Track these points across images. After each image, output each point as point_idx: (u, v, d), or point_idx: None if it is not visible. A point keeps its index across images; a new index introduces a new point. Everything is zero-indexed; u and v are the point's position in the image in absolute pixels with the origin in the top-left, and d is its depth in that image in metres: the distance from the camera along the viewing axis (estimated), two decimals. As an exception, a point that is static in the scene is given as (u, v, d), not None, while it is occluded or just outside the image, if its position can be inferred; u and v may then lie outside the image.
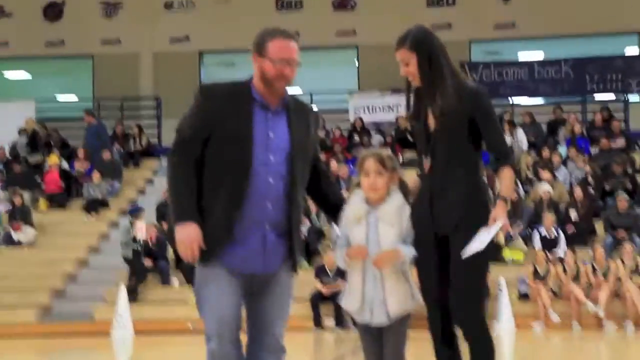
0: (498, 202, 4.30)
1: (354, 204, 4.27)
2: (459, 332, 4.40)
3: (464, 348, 4.41)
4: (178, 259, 17.67)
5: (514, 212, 17.66)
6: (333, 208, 4.55)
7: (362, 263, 4.23)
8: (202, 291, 4.29)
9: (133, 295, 16.79)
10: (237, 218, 4.17)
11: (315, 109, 4.80)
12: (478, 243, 4.22)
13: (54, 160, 21.14)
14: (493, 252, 4.56)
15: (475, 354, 4.29)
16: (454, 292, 4.28)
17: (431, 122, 4.36)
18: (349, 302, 4.28)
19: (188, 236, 4.15)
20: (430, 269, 4.34)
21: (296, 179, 4.27)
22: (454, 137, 4.30)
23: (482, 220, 4.27)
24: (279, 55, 4.23)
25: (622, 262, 15.83)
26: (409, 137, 19.27)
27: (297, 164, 4.27)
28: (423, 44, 4.36)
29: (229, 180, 4.18)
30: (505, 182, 4.32)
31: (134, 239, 17.52)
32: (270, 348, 4.37)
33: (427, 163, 4.34)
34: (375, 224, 4.24)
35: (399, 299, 4.23)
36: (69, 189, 21.19)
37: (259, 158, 4.20)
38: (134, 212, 18.20)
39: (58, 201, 20.88)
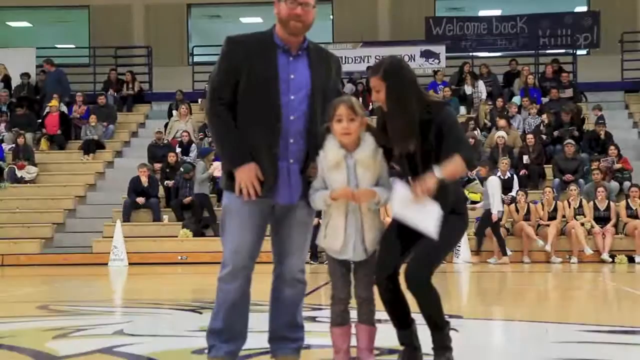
0: (429, 174, 4.12)
1: (330, 150, 4.21)
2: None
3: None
4: (168, 198, 17.64)
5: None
6: None
7: (344, 205, 4.20)
8: (225, 223, 4.29)
9: (203, 230, 16.86)
10: (278, 155, 4.17)
11: None
12: (428, 220, 4.13)
13: (54, 103, 20.86)
14: (463, 229, 4.47)
15: (423, 300, 4.27)
16: (414, 260, 4.24)
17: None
18: (331, 242, 4.25)
19: (248, 176, 4.13)
20: (393, 244, 4.30)
21: (315, 117, 4.25)
22: (435, 156, 4.23)
23: (457, 225, 4.29)
24: None
25: (568, 203, 15.96)
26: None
27: (316, 102, 4.24)
28: (393, 76, 4.23)
29: (264, 122, 4.16)
30: (450, 166, 4.15)
31: (212, 177, 17.15)
32: (289, 281, 4.38)
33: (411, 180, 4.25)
34: (353, 168, 4.20)
35: (374, 236, 4.24)
36: (68, 131, 20.98)
37: (282, 97, 4.18)
38: (205, 152, 17.61)
39: (58, 142, 20.70)
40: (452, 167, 4.16)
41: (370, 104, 18.66)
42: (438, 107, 4.31)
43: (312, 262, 14.62)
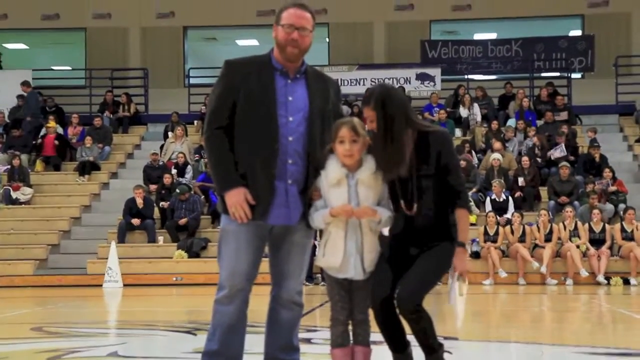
0: (458, 250, 4.27)
1: (332, 169, 4.23)
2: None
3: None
4: (163, 219, 17.62)
5: (467, 177, 17.76)
6: None
7: (344, 223, 4.20)
8: (222, 247, 4.30)
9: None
10: (275, 176, 4.18)
11: None
12: (454, 294, 4.33)
13: (52, 125, 20.85)
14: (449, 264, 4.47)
15: (416, 324, 4.27)
16: (414, 274, 4.24)
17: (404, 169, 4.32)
18: (331, 260, 4.25)
19: (237, 200, 4.16)
20: (387, 268, 4.30)
21: (314, 138, 4.26)
22: (435, 181, 4.28)
23: (451, 251, 4.31)
24: (287, 21, 4.23)
25: (564, 225, 15.97)
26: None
27: (314, 124, 4.27)
28: (384, 105, 4.25)
29: (261, 143, 4.19)
30: (463, 226, 4.30)
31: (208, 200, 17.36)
32: (286, 303, 4.38)
33: (409, 205, 4.27)
34: (354, 187, 4.22)
35: (374, 257, 4.25)
36: (64, 152, 20.97)
37: (280, 119, 4.21)
38: None
39: (53, 163, 20.69)
40: (465, 227, 4.33)
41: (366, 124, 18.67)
42: (436, 135, 4.33)
43: (307, 283, 14.62)
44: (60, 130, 21.45)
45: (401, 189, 4.30)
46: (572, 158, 18.55)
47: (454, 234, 4.33)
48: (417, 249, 4.32)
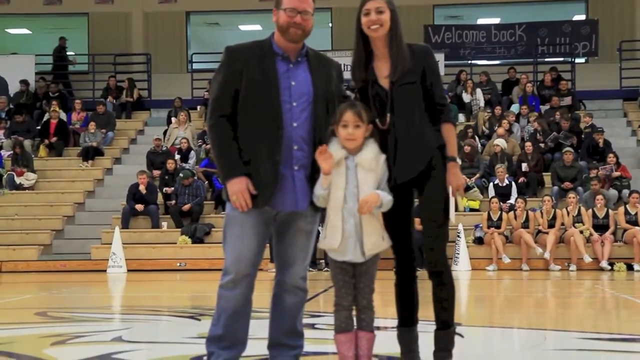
0: (450, 165, 4.28)
1: (332, 150, 4.21)
2: (420, 273, 4.45)
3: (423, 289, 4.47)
4: (167, 205, 17.63)
5: (471, 163, 17.75)
6: None
7: (341, 205, 4.20)
8: (227, 232, 4.30)
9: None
10: (280, 162, 4.17)
11: None
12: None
13: (54, 110, 20.85)
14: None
15: (442, 289, 4.33)
16: (427, 237, 4.30)
17: (384, 81, 4.31)
18: (330, 242, 4.25)
19: (239, 189, 4.16)
20: (396, 218, 4.34)
21: (319, 122, 4.26)
22: (412, 91, 4.29)
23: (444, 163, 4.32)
24: (289, 5, 4.22)
25: (567, 210, 15.96)
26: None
27: (319, 108, 4.26)
28: (394, 7, 4.35)
29: (265, 129, 4.17)
30: (451, 140, 4.33)
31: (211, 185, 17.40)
32: (290, 288, 4.40)
33: (386, 119, 4.28)
34: (354, 169, 4.21)
35: (373, 239, 4.22)
36: (66, 138, 20.97)
37: (284, 105, 4.20)
38: None
39: (56, 149, 20.70)
40: (454, 141, 4.34)
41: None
42: (421, 48, 4.41)
43: (311, 269, 14.65)
44: (63, 115, 21.44)
45: (379, 103, 4.30)
46: (575, 142, 18.47)
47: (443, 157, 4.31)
48: (412, 172, 4.29)
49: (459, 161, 4.36)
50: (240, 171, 4.18)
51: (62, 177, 19.78)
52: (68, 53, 24.73)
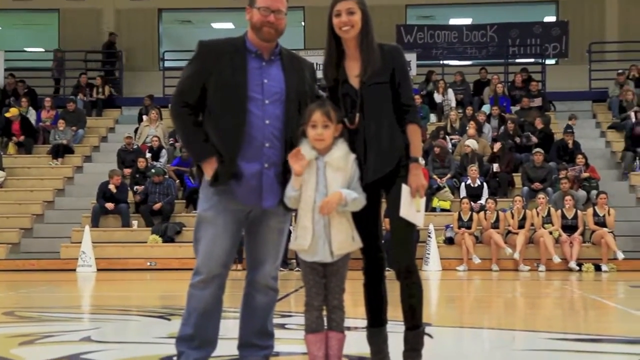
0: (412, 165, 4.28)
1: (303, 151, 4.22)
2: (387, 274, 4.46)
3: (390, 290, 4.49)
4: (138, 204, 17.53)
5: (442, 163, 17.83)
6: None
7: (311, 205, 4.21)
8: (199, 232, 4.30)
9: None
10: (239, 156, 4.17)
11: None
12: (407, 208, 4.26)
13: (14, 112, 20.53)
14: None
15: (409, 290, 4.35)
16: (395, 237, 4.33)
17: (354, 80, 4.33)
18: (300, 242, 4.26)
19: (213, 168, 4.18)
20: (364, 217, 4.34)
21: (291, 121, 4.26)
22: (381, 91, 4.30)
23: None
24: (263, 4, 4.23)
25: (537, 211, 16.08)
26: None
27: (291, 106, 4.26)
28: (366, 7, 4.36)
29: (227, 123, 4.18)
30: (415, 141, 4.34)
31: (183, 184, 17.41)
32: (261, 288, 4.40)
33: (355, 118, 4.29)
34: (323, 169, 4.22)
35: (342, 239, 4.23)
36: (34, 135, 20.74)
37: (255, 102, 4.20)
38: None
39: (26, 146, 20.50)
40: (418, 142, 4.35)
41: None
42: (391, 48, 4.43)
43: (282, 269, 14.62)
44: (32, 113, 21.23)
45: (350, 102, 4.31)
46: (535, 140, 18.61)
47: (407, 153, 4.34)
48: (379, 172, 4.30)
49: (422, 161, 4.37)
50: (211, 151, 4.20)
51: (31, 175, 19.59)
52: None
